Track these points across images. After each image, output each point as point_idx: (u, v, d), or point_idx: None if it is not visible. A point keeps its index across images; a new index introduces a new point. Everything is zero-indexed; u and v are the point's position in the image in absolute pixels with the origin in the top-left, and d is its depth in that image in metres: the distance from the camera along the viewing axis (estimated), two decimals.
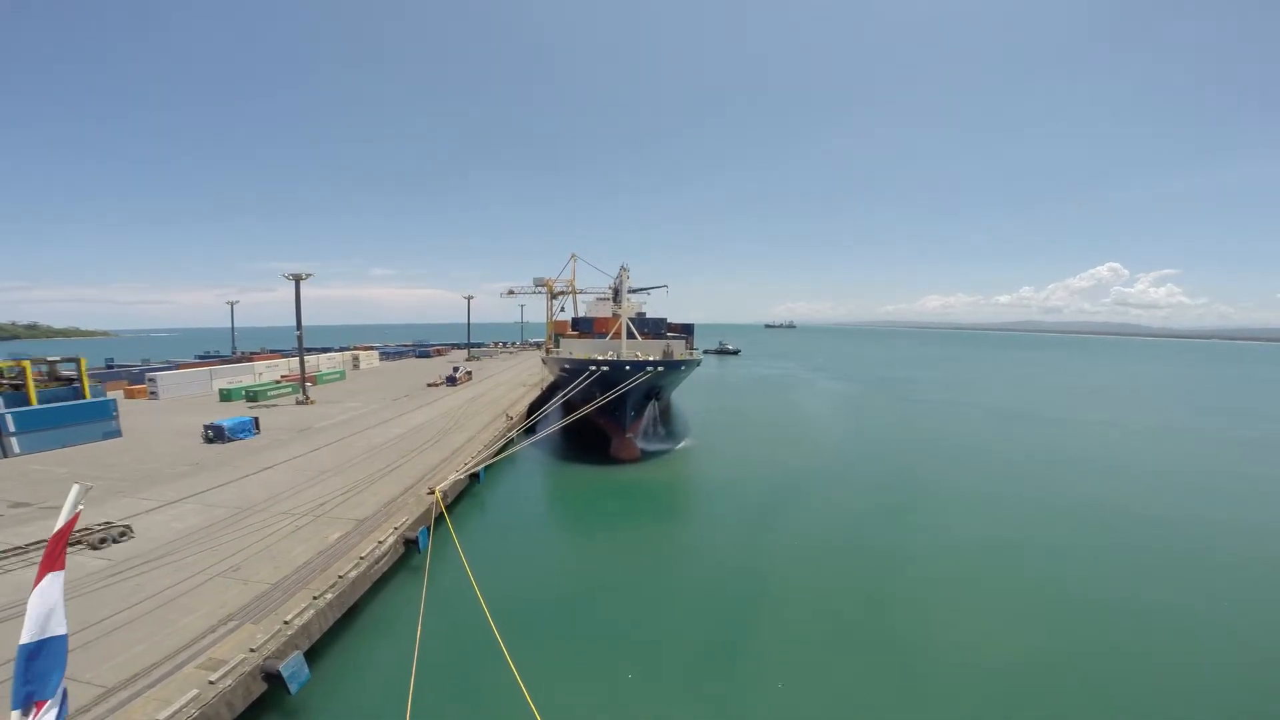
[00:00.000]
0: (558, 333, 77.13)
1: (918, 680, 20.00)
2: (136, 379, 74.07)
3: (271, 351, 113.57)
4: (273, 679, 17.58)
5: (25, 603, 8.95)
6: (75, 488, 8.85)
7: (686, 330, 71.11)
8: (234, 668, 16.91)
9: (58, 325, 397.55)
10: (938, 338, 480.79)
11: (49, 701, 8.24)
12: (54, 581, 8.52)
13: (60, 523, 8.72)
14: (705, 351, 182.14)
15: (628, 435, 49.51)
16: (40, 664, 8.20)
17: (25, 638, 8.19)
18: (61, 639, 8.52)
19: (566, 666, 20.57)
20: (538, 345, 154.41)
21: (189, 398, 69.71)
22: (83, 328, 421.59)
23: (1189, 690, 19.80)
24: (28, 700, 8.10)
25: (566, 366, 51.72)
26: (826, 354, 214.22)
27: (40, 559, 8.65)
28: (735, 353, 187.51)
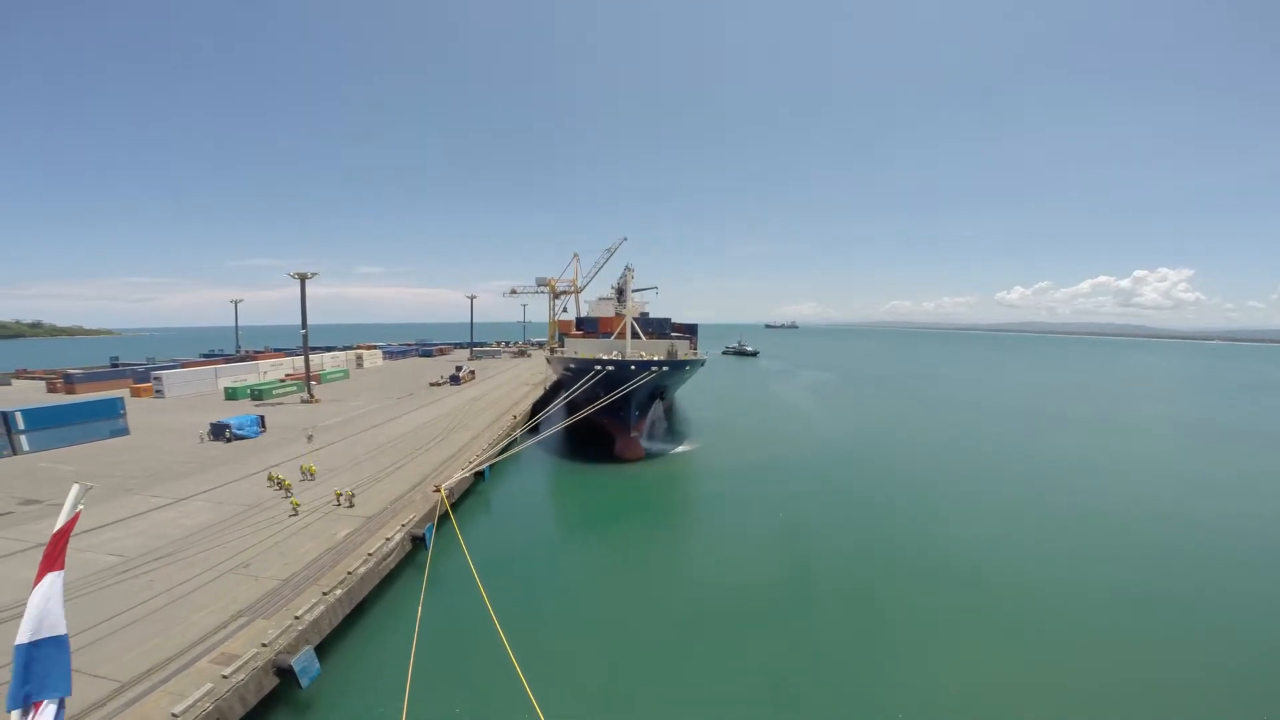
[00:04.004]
0: (562, 332, 77.11)
1: (920, 682, 20.11)
2: (142, 378, 74.31)
3: (275, 350, 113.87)
4: (284, 673, 17.84)
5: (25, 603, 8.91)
6: (75, 487, 8.80)
7: (690, 330, 71.10)
8: (246, 662, 17.14)
9: (62, 324, 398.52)
10: (941, 338, 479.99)
11: (47, 702, 8.13)
12: (54, 581, 8.41)
13: (61, 522, 8.65)
14: (723, 352, 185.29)
15: (632, 435, 49.51)
16: (39, 664, 8.10)
17: (23, 638, 8.05)
18: (61, 639, 8.43)
19: (567, 661, 20.81)
20: (540, 345, 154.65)
21: (195, 396, 70.14)
22: (86, 326, 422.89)
23: (1189, 691, 19.91)
24: (26, 701, 8.00)
25: (571, 366, 51.64)
26: (821, 353, 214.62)
27: (40, 558, 8.59)
28: (754, 354, 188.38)
